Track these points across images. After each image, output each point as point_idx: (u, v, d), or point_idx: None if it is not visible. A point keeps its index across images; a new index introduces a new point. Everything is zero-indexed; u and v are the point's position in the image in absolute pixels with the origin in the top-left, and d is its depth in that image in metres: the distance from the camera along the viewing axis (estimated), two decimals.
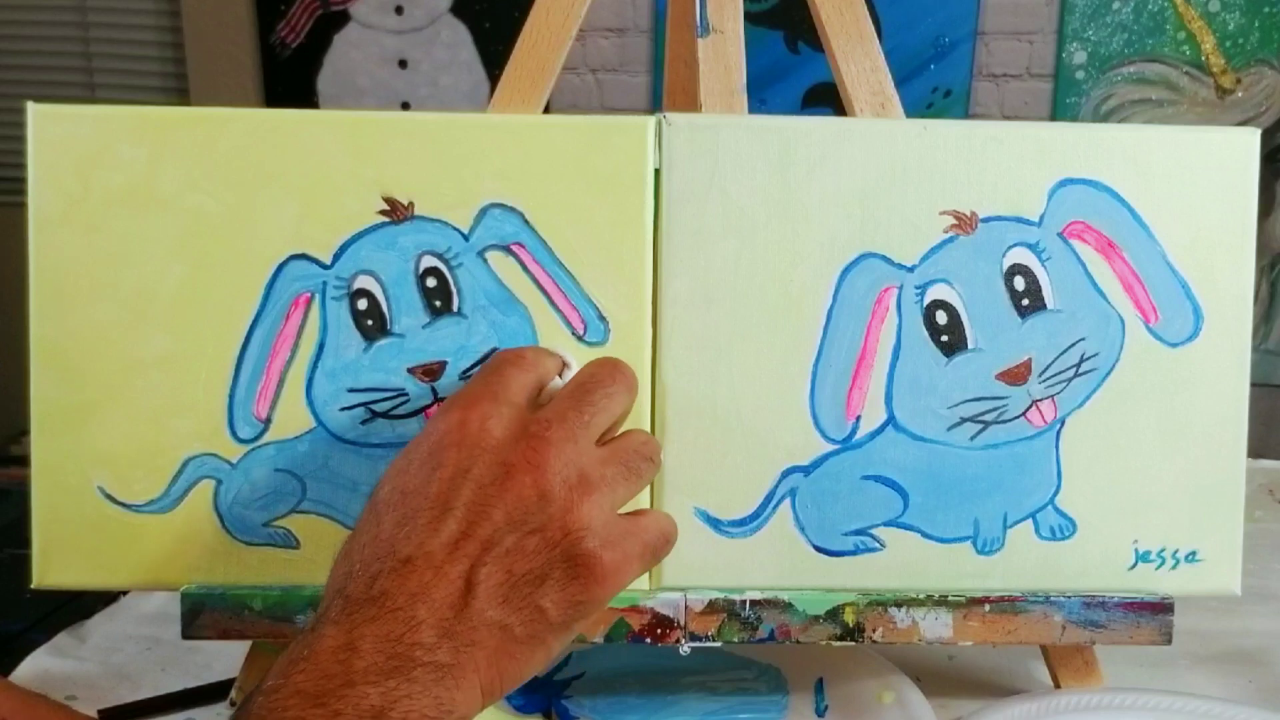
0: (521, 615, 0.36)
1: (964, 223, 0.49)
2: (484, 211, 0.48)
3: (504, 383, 0.41)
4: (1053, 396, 0.50)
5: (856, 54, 0.52)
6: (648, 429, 0.49)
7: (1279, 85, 2.00)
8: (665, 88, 0.64)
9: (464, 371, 0.49)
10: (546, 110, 0.51)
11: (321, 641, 0.34)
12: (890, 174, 0.49)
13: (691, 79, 0.53)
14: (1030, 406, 0.50)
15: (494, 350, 0.49)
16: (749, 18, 0.53)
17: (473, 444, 0.37)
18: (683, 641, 0.49)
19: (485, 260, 0.49)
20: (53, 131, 0.48)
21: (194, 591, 0.49)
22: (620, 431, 0.43)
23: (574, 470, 0.38)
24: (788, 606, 0.50)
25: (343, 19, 2.10)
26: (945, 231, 0.49)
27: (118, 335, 0.48)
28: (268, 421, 0.49)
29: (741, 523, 0.50)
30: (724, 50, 0.52)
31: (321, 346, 0.49)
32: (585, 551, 0.37)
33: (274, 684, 0.33)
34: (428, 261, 0.49)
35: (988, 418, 0.50)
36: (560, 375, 0.45)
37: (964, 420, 0.50)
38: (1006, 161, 0.49)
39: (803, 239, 0.49)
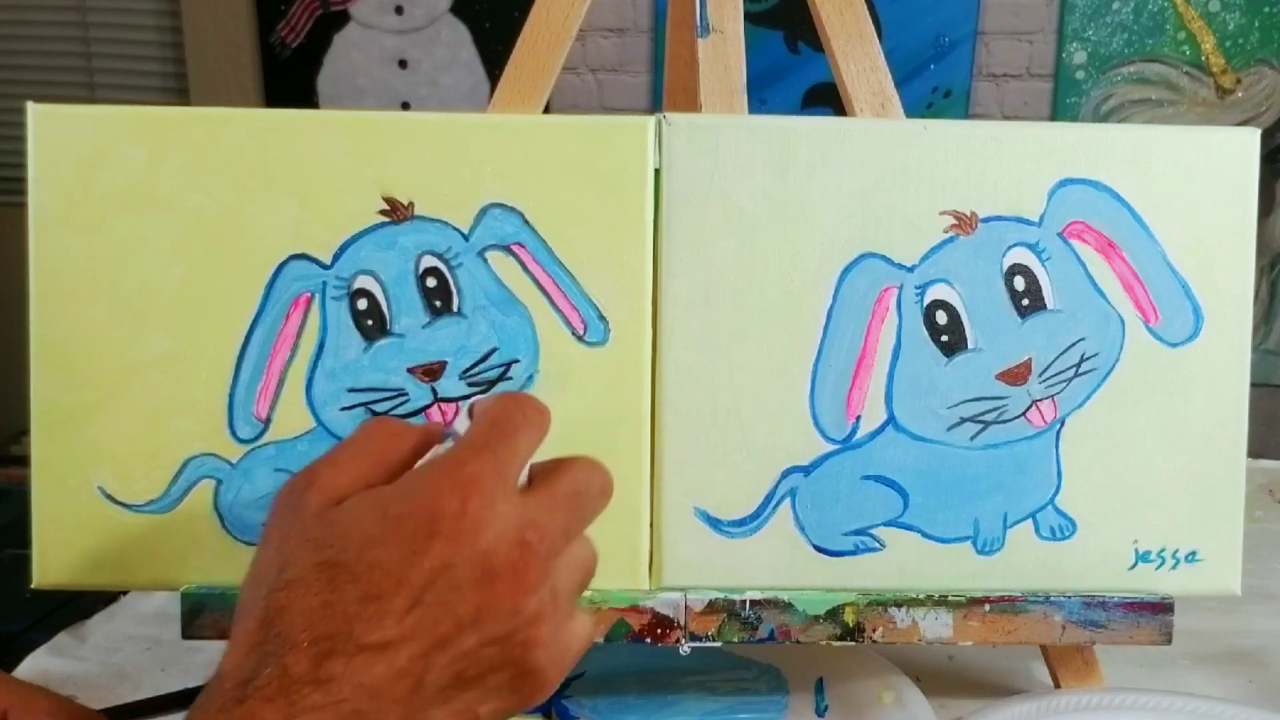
0: (457, 717, 0.35)
1: (964, 223, 0.49)
2: (484, 211, 0.48)
3: (509, 459, 0.38)
4: (1053, 396, 0.50)
5: (856, 54, 0.52)
6: (648, 430, 0.48)
7: (1279, 85, 2.00)
8: (665, 88, 0.64)
9: (464, 371, 0.49)
10: (546, 110, 0.51)
11: None
12: (890, 174, 0.49)
13: (691, 79, 0.53)
14: (1030, 406, 0.50)
15: (494, 350, 0.49)
16: (749, 18, 0.53)
17: (463, 541, 0.35)
18: (683, 641, 0.49)
19: (485, 260, 0.49)
20: (53, 131, 0.48)
21: (194, 591, 0.49)
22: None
23: (549, 586, 0.36)
24: (788, 606, 0.50)
25: (343, 19, 2.10)
26: (945, 231, 0.49)
27: (118, 335, 0.48)
28: (268, 421, 0.49)
29: (741, 523, 0.50)
30: (724, 50, 0.52)
31: (321, 346, 0.49)
32: (536, 667, 0.36)
33: None
34: (428, 261, 0.49)
35: (988, 418, 0.50)
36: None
37: (964, 420, 0.50)
38: (1006, 161, 0.49)
39: (803, 239, 0.49)
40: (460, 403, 0.49)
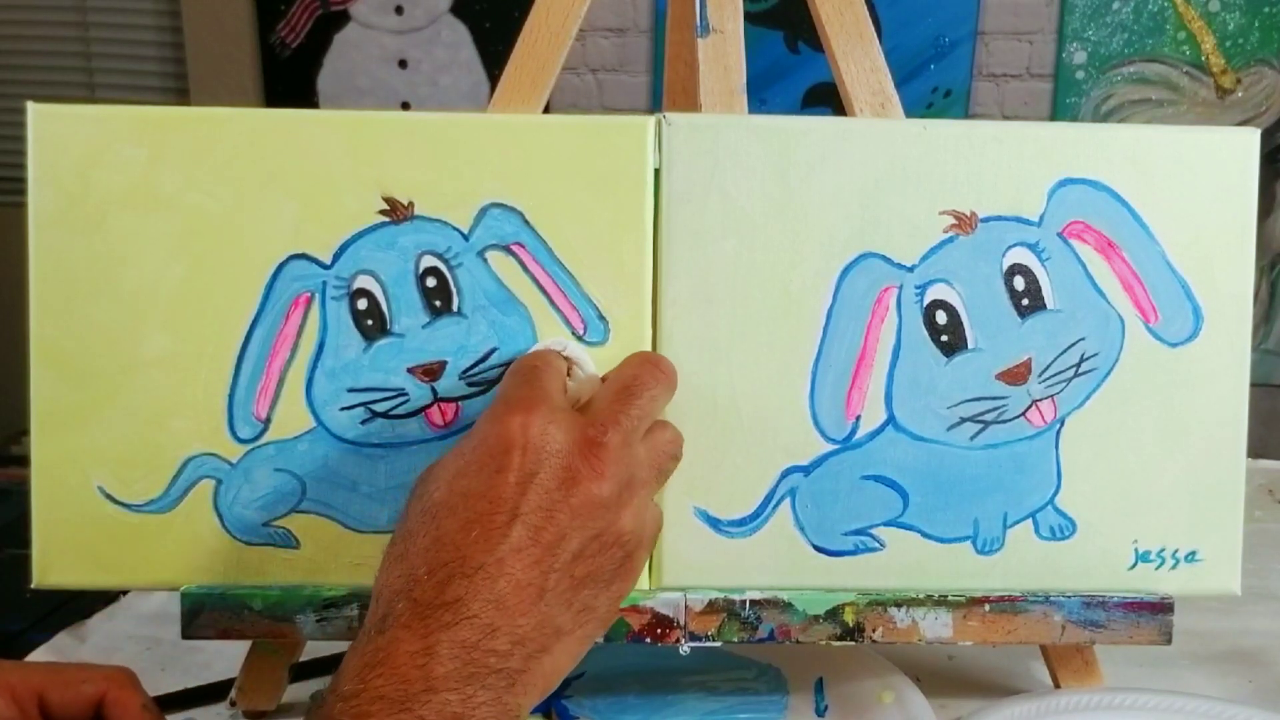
0: (581, 617, 0.37)
1: (964, 222, 0.49)
2: (484, 211, 0.48)
3: (547, 387, 0.41)
4: (1052, 396, 0.50)
5: (856, 54, 0.52)
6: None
7: (1279, 85, 2.00)
8: (665, 88, 0.64)
9: (464, 371, 0.49)
10: (546, 110, 0.51)
11: (397, 646, 0.33)
12: (890, 174, 0.49)
13: (691, 79, 0.53)
14: (1030, 406, 0.50)
15: (494, 350, 0.49)
16: (749, 18, 0.53)
17: (537, 448, 0.37)
18: (683, 641, 0.49)
19: (485, 260, 0.49)
20: (53, 131, 0.48)
21: (194, 591, 0.49)
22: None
23: (626, 475, 0.39)
24: (787, 606, 0.50)
25: (343, 19, 2.10)
26: (945, 231, 0.49)
27: (118, 335, 0.48)
28: (267, 421, 0.49)
29: (741, 522, 0.50)
30: (724, 50, 0.52)
31: (321, 346, 0.49)
32: (628, 553, 0.39)
33: (351, 688, 0.33)
34: (428, 261, 0.49)
35: (987, 417, 0.50)
36: (569, 374, 0.46)
37: (964, 420, 0.50)
38: (1006, 161, 0.49)
39: (802, 239, 0.49)
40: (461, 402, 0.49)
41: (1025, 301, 0.50)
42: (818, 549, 0.50)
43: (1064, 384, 0.50)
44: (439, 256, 0.49)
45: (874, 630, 0.50)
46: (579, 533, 0.37)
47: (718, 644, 0.50)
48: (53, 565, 0.49)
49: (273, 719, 0.54)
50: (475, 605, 0.34)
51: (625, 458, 0.39)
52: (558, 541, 0.36)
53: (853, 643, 0.50)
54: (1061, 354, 0.50)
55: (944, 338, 0.50)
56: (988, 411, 0.50)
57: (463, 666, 0.33)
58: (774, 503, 0.50)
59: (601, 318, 0.49)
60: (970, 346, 0.50)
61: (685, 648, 0.50)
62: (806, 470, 0.50)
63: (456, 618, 0.34)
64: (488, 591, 0.35)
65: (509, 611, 0.35)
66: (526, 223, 0.48)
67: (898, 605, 0.50)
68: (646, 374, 0.43)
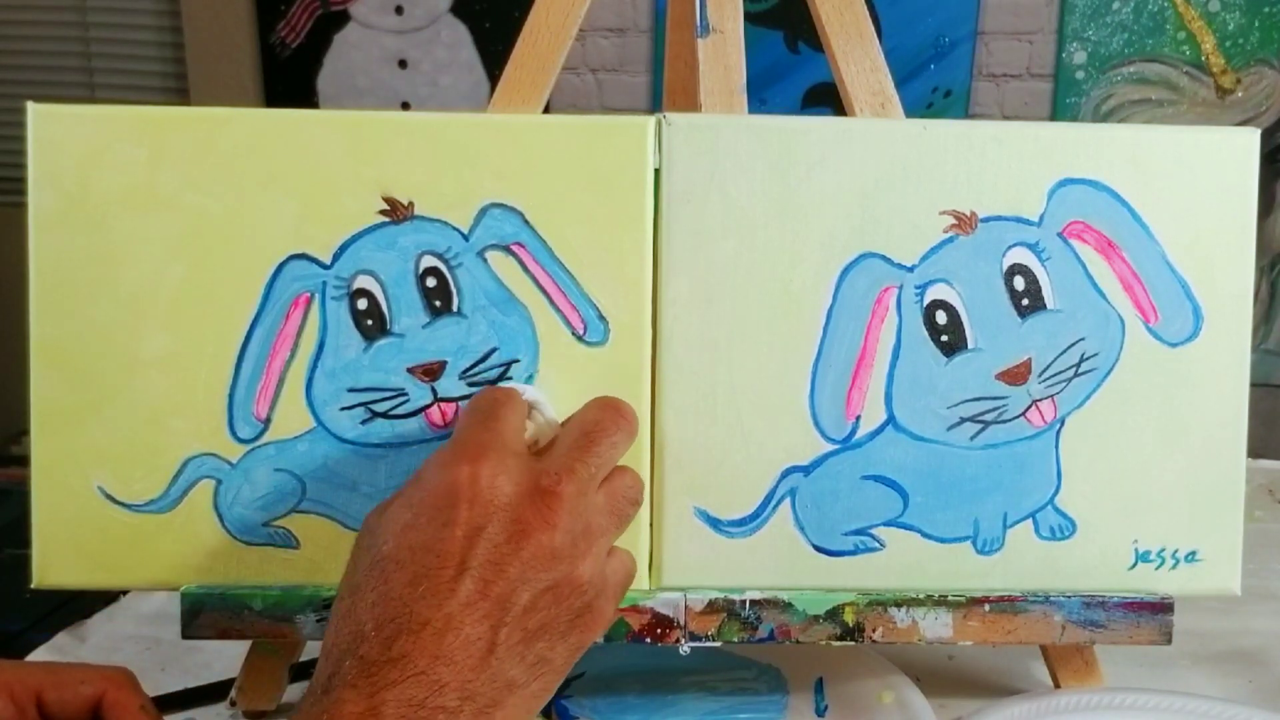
0: (535, 670, 0.36)
1: (964, 222, 0.49)
2: (484, 211, 0.48)
3: (503, 428, 0.40)
4: (1052, 396, 0.50)
5: (856, 54, 0.52)
6: (648, 430, 0.49)
7: (1279, 85, 2.00)
8: (665, 88, 0.64)
9: (464, 371, 0.49)
10: (546, 110, 0.51)
11: (341, 707, 0.33)
12: (890, 174, 0.49)
13: (691, 79, 0.53)
14: (1030, 406, 0.50)
15: (494, 350, 0.49)
16: (749, 18, 0.53)
17: (485, 501, 0.36)
18: (682, 641, 0.49)
19: (485, 260, 0.49)
20: (53, 131, 0.48)
21: (194, 591, 0.49)
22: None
23: (581, 524, 0.38)
24: (787, 606, 0.50)
25: (343, 19, 2.10)
26: (945, 231, 0.49)
27: (118, 335, 0.48)
28: (267, 421, 0.49)
29: (741, 522, 0.50)
30: (724, 50, 0.52)
31: (321, 346, 0.49)
32: (587, 603, 0.38)
33: None
34: (428, 261, 0.49)
35: (987, 417, 0.50)
36: (529, 415, 0.44)
37: (964, 420, 0.50)
38: (1006, 161, 0.49)
39: (802, 239, 0.49)
40: (460, 403, 0.49)
41: (1025, 301, 0.50)
42: (818, 549, 0.50)
43: (1064, 384, 0.50)
44: (439, 256, 0.49)
45: (874, 630, 0.50)
46: (530, 585, 0.36)
47: (718, 644, 0.50)
48: (53, 565, 0.49)
49: (273, 719, 0.54)
50: (422, 661, 0.34)
51: (580, 506, 0.38)
52: (509, 595, 0.36)
53: (853, 643, 0.50)
54: (1061, 354, 0.50)
55: (944, 338, 0.50)
56: (988, 411, 0.50)
57: None
58: (774, 503, 0.50)
59: (601, 318, 0.49)
60: (970, 346, 0.50)
61: (685, 648, 0.50)
62: (806, 470, 0.50)
63: (403, 675, 0.33)
64: (434, 648, 0.34)
65: (457, 667, 0.34)
66: (526, 223, 0.48)
67: (898, 605, 0.50)
68: (608, 419, 0.43)
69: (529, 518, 0.37)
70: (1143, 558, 0.51)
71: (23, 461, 0.49)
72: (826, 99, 1.97)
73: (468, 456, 0.38)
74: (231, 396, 0.49)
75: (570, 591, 0.37)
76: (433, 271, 0.49)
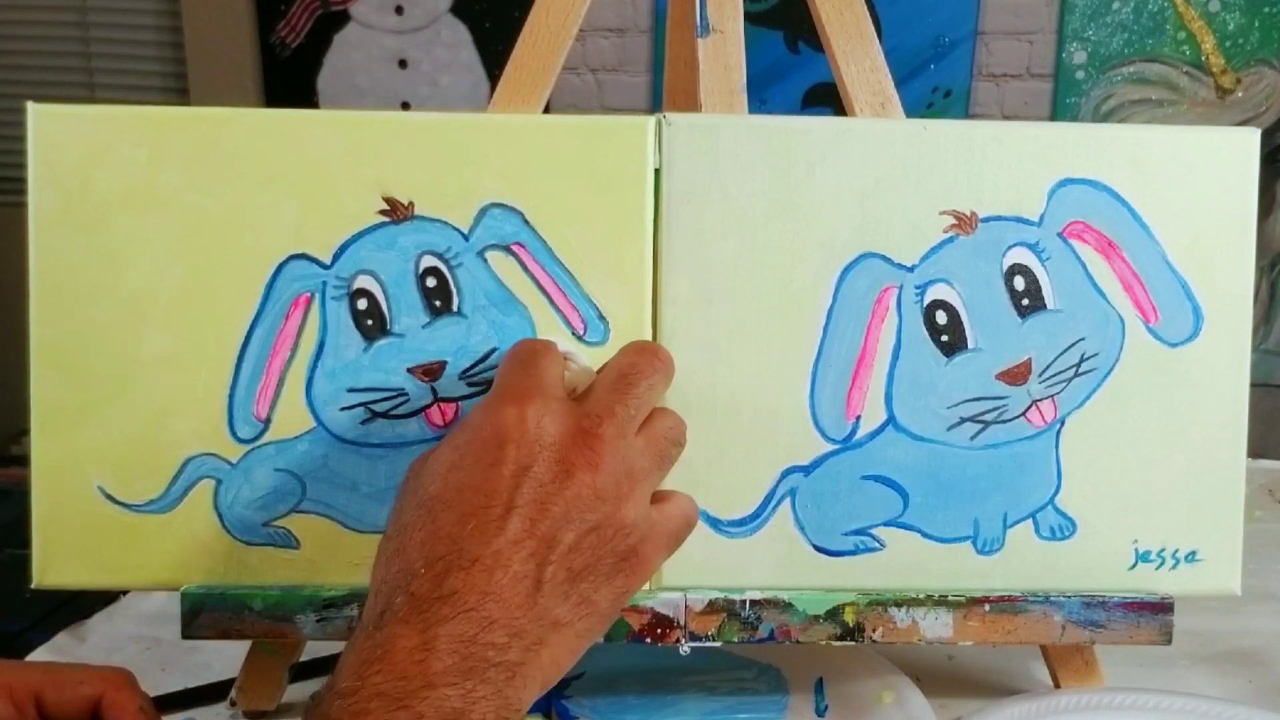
0: (579, 610, 0.37)
1: (964, 222, 0.49)
2: (484, 211, 0.48)
3: (544, 375, 0.41)
4: (1053, 396, 0.50)
5: (856, 54, 0.52)
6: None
7: (1279, 85, 2.00)
8: (665, 88, 0.64)
9: (464, 371, 0.49)
10: (546, 110, 0.51)
11: (395, 641, 0.33)
12: (890, 174, 0.49)
13: (691, 79, 0.53)
14: (1030, 406, 0.50)
15: (494, 350, 0.49)
16: (749, 18, 0.53)
17: (531, 441, 0.37)
18: (683, 641, 0.49)
19: (485, 260, 0.49)
20: (53, 131, 0.48)
21: (194, 591, 0.49)
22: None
23: (624, 466, 0.39)
24: (788, 606, 0.50)
25: (343, 19, 2.10)
26: (945, 231, 0.49)
27: (118, 335, 0.48)
28: (267, 421, 0.49)
29: (741, 522, 0.50)
30: (724, 50, 0.52)
31: (321, 346, 0.49)
32: (631, 546, 0.38)
33: (349, 685, 0.33)
34: (428, 261, 0.49)
35: (988, 417, 0.50)
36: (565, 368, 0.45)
37: (964, 420, 0.50)
38: (1006, 161, 0.49)
39: (803, 239, 0.49)
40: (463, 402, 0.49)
41: (1025, 301, 0.50)
42: (818, 549, 0.50)
43: (1064, 384, 0.50)
44: (439, 256, 0.49)
45: (874, 630, 0.50)
46: (575, 524, 0.37)
47: (718, 644, 0.50)
48: (53, 565, 0.49)
49: (273, 719, 0.54)
50: (472, 598, 0.34)
51: (621, 448, 0.39)
52: (554, 533, 0.36)
53: (853, 643, 0.50)
54: (1061, 354, 0.50)
55: (944, 338, 0.50)
56: (988, 411, 0.50)
57: (461, 661, 0.33)
58: (774, 503, 0.50)
59: (601, 318, 0.49)
60: (970, 346, 0.50)
61: (685, 648, 0.50)
62: (807, 470, 0.50)
63: (454, 611, 0.34)
64: (484, 584, 0.35)
65: (506, 604, 0.35)
66: (526, 223, 0.48)
67: (898, 605, 0.50)
68: (644, 362, 0.43)
69: (573, 458, 0.37)
70: (1143, 558, 0.51)
71: (23, 461, 0.49)
72: (826, 99, 1.96)
73: (514, 399, 0.38)
74: (231, 396, 0.49)
75: (614, 533, 0.38)
76: (433, 271, 0.49)
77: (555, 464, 0.37)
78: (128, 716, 0.41)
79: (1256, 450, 0.58)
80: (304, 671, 0.57)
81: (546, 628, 0.36)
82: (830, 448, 0.50)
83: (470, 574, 0.35)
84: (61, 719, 0.41)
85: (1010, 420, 0.50)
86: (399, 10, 2.08)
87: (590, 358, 0.48)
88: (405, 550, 0.36)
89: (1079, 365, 0.50)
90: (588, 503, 0.37)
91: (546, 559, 0.36)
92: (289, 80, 2.12)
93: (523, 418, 0.38)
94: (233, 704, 0.54)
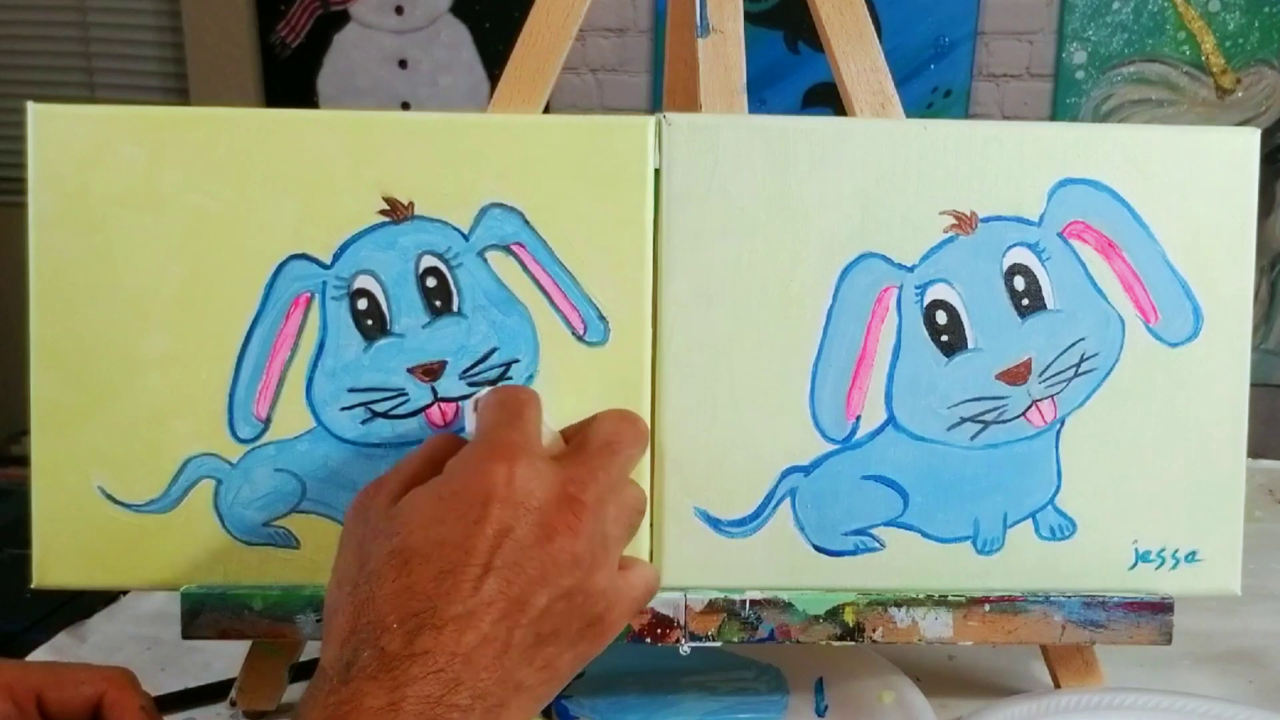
0: (542, 675, 0.37)
1: (964, 222, 0.49)
2: (484, 211, 0.48)
3: (530, 431, 0.40)
4: (1053, 396, 0.50)
5: (856, 54, 0.52)
6: (648, 428, 0.49)
7: (1279, 85, 2.00)
8: (665, 88, 0.64)
9: (464, 371, 0.49)
10: (546, 110, 0.51)
11: (361, 700, 0.33)
12: (890, 174, 0.49)
13: (691, 79, 0.53)
14: (1030, 406, 0.50)
15: (494, 350, 0.49)
16: (749, 18, 0.53)
17: (517, 503, 0.37)
18: (683, 641, 0.49)
19: (485, 260, 0.49)
20: (53, 131, 0.48)
21: (194, 591, 0.49)
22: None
23: (600, 533, 0.39)
24: (788, 606, 0.50)
25: (343, 19, 2.10)
26: (945, 231, 0.49)
27: (118, 335, 0.48)
28: (268, 421, 0.49)
29: (741, 522, 0.50)
30: (724, 50, 0.52)
31: (321, 346, 0.49)
32: (598, 613, 0.38)
33: None
34: (428, 261, 0.49)
35: (988, 417, 0.50)
36: None
37: (964, 420, 0.50)
38: (1006, 161, 0.49)
39: (803, 239, 0.49)
40: (461, 402, 0.49)
41: (1025, 301, 0.50)
42: (818, 549, 0.50)
43: (1064, 384, 0.50)
44: (439, 256, 0.49)
45: (874, 630, 0.50)
46: (549, 589, 0.36)
47: (718, 644, 0.50)
48: (53, 565, 0.49)
49: (273, 719, 0.54)
50: (442, 659, 0.34)
51: (600, 515, 0.39)
52: (527, 596, 0.36)
53: (853, 643, 0.50)
54: (1062, 354, 0.50)
55: (944, 338, 0.50)
56: (988, 411, 0.50)
57: None
58: (774, 503, 0.50)
59: (602, 318, 0.49)
60: (970, 346, 0.50)
61: (685, 648, 0.50)
62: (807, 470, 0.50)
63: (423, 671, 0.33)
64: (454, 645, 0.34)
65: (473, 666, 0.34)
66: (527, 223, 0.48)
67: (898, 605, 0.50)
68: (626, 432, 0.43)
69: (555, 522, 0.37)
70: (1143, 558, 0.51)
71: (23, 461, 0.49)
72: (826, 99, 1.97)
73: (503, 456, 0.38)
74: (232, 396, 0.49)
75: (585, 599, 0.38)
76: (433, 271, 0.49)
77: (537, 527, 0.37)
78: (129, 716, 0.41)
79: (1256, 450, 0.58)
80: (304, 671, 0.57)
81: (509, 690, 0.35)
82: (830, 448, 0.50)
83: (441, 634, 0.34)
84: (63, 718, 0.41)
85: (1010, 420, 0.50)
86: (399, 10, 2.09)
87: (591, 358, 0.48)
88: (375, 601, 0.35)
89: (1079, 365, 0.50)
90: (564, 568, 0.37)
91: (517, 622, 0.36)
92: (289, 80, 2.12)
93: (511, 478, 0.37)
94: (233, 704, 0.54)
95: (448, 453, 0.40)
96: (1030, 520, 0.51)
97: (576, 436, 0.43)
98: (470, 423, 0.42)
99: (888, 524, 0.50)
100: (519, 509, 0.37)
